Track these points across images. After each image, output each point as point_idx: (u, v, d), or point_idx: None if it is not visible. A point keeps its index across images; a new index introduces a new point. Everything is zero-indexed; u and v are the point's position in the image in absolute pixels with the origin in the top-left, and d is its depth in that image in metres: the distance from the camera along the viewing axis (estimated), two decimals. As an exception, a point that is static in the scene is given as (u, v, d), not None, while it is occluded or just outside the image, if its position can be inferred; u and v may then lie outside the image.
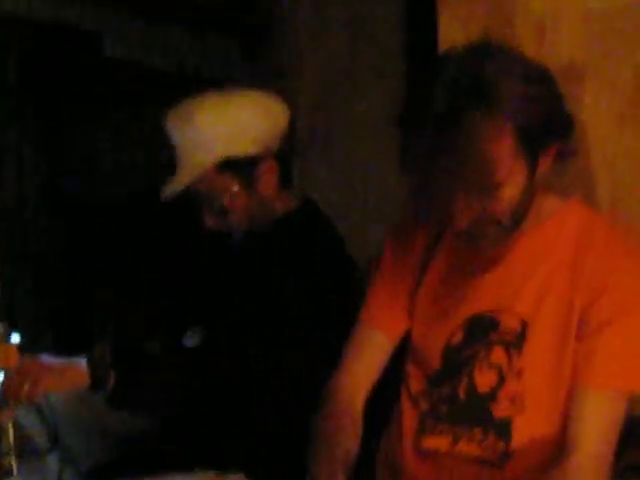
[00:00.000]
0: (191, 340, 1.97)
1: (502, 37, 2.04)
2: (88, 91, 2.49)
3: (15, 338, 1.78)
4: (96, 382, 1.68)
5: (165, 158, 1.90)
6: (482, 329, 1.54)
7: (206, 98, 1.88)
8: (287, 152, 1.94)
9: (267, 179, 1.88)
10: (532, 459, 1.51)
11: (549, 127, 1.41)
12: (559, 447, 1.49)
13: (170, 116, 1.87)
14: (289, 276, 1.80)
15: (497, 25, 2.11)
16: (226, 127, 1.83)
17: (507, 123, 1.35)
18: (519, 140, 1.37)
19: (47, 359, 1.76)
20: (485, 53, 1.41)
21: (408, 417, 1.61)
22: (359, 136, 2.66)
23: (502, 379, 1.51)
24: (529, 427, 1.51)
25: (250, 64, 2.76)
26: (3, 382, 1.69)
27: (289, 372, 1.76)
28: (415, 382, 1.62)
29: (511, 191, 1.40)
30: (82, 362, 1.70)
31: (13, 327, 1.76)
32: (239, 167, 1.85)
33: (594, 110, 2.06)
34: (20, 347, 1.76)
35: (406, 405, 1.63)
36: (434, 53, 2.22)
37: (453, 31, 2.18)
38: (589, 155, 2.05)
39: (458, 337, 1.56)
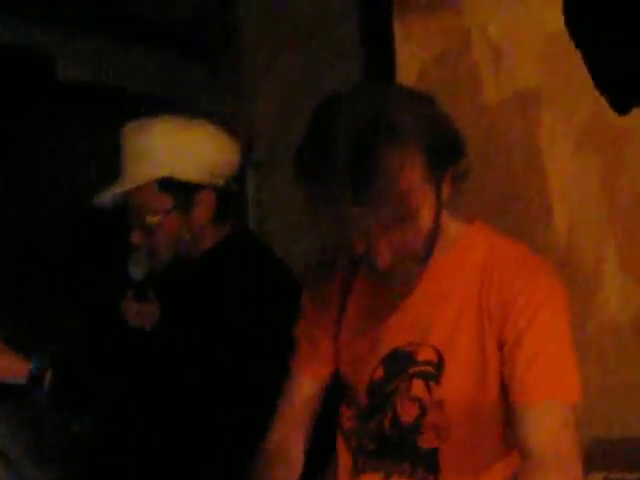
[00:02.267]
0: (137, 270, 1.97)
1: (458, 62, 2.10)
2: (42, 115, 2.44)
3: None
4: (33, 377, 1.69)
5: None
6: (400, 363, 1.52)
7: (167, 117, 1.90)
8: (229, 188, 1.93)
9: (203, 209, 1.88)
10: None
11: (449, 148, 1.40)
12: (489, 472, 1.49)
13: (127, 126, 1.88)
14: (211, 309, 1.79)
15: (453, 50, 2.10)
16: (177, 147, 1.84)
17: (415, 149, 1.33)
18: (427, 164, 1.35)
19: None
20: (373, 89, 1.41)
21: (342, 455, 1.60)
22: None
23: (424, 411, 1.49)
24: (456, 456, 1.49)
25: (207, 82, 2.74)
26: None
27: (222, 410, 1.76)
28: (346, 420, 1.61)
29: (425, 218, 1.38)
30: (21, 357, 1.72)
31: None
32: (179, 189, 1.85)
33: (551, 136, 2.05)
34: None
35: (340, 444, 1.62)
36: (392, 70, 2.20)
37: (409, 54, 2.16)
38: (545, 181, 2.05)
39: (379, 373, 1.53)
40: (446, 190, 1.41)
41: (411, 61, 2.14)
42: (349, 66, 2.47)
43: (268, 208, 2.69)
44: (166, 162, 1.82)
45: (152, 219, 1.84)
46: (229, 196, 1.92)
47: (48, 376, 1.70)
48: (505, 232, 1.56)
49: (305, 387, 1.63)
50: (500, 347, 1.45)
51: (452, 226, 1.51)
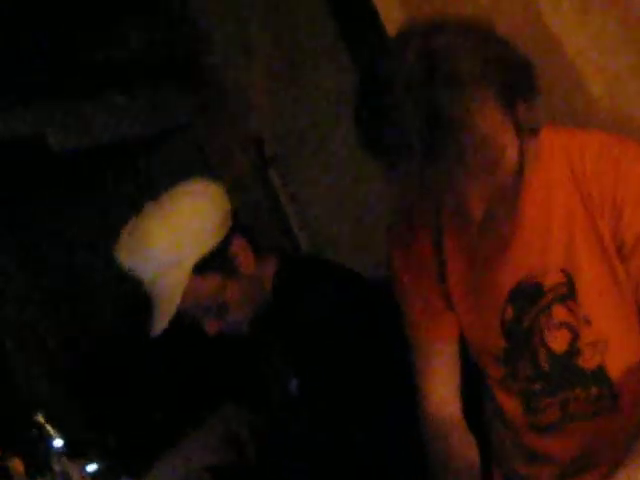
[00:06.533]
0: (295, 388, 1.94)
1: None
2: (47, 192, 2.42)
3: (91, 467, 1.71)
4: None
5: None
6: (529, 295, 1.49)
7: (146, 219, 1.80)
8: (242, 221, 1.87)
9: (244, 256, 1.83)
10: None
11: (518, 79, 1.32)
12: None
13: (122, 255, 1.78)
14: (329, 341, 1.79)
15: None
16: (182, 238, 1.76)
17: (481, 90, 1.25)
18: (498, 101, 1.27)
19: None
20: (422, 33, 1.30)
21: (507, 402, 1.59)
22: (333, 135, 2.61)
23: (575, 333, 1.47)
24: (622, 363, 1.48)
25: (194, 110, 2.71)
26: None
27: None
28: (492, 368, 1.58)
29: (510, 154, 1.31)
30: None
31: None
32: (213, 262, 1.79)
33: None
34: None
35: (498, 391, 1.60)
36: (382, 36, 2.11)
37: (392, 8, 2.08)
38: (561, 49, 1.96)
39: (509, 312, 1.50)
40: (522, 115, 1.32)
41: (396, 16, 2.04)
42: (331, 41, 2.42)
43: (301, 197, 2.66)
44: (184, 256, 1.75)
45: (217, 303, 1.80)
46: (248, 225, 1.88)
47: None
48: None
49: (440, 350, 1.60)
50: (619, 246, 1.41)
51: (527, 144, 1.39)
